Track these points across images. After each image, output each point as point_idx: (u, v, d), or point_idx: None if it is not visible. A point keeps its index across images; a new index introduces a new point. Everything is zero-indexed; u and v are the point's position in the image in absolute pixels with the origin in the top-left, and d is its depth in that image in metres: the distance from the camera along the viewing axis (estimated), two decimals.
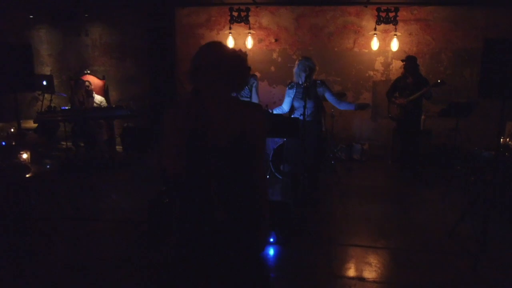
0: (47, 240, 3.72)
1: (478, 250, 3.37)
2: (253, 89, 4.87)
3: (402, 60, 5.92)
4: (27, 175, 3.71)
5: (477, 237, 3.48)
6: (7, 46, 4.29)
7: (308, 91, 4.32)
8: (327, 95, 4.67)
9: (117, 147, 7.23)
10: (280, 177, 5.80)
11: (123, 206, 4.69)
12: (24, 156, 3.80)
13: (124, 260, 3.37)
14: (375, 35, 6.93)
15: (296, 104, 4.59)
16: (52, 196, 4.79)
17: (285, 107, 4.69)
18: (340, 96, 6.69)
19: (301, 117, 4.22)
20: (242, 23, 7.24)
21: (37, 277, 3.11)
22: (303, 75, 4.42)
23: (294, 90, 4.57)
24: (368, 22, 7.08)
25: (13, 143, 5.03)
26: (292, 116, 4.63)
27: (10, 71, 4.09)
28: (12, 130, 5.57)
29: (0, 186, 3.68)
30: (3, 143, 4.93)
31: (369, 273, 3.27)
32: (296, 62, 4.57)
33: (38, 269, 3.22)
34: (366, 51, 7.18)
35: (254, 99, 4.93)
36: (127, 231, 3.94)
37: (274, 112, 4.68)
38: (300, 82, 4.47)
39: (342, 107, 4.91)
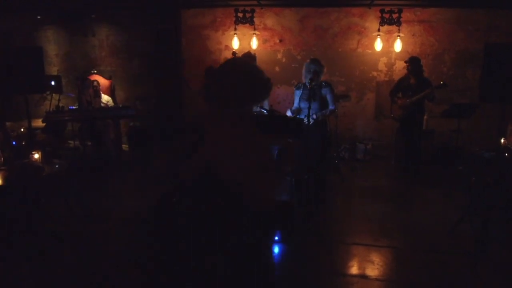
0: (57, 239, 3.82)
1: (478, 250, 3.44)
2: None
3: (405, 61, 5.96)
4: (41, 175, 3.76)
5: (477, 237, 3.55)
6: (18, 48, 4.38)
7: (313, 93, 4.39)
8: (328, 97, 4.75)
9: (123, 145, 7.33)
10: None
11: (131, 205, 4.77)
12: (36, 156, 3.85)
13: (131, 259, 3.43)
14: (378, 36, 6.98)
15: (302, 104, 4.65)
16: (61, 195, 4.88)
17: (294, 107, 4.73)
18: (343, 97, 6.77)
19: (306, 118, 4.29)
20: (247, 24, 7.30)
21: (45, 277, 3.20)
22: (308, 76, 4.50)
23: (301, 91, 4.64)
24: (372, 23, 7.14)
25: (23, 143, 5.12)
26: (298, 116, 4.70)
27: (21, 73, 4.18)
28: (22, 130, 5.66)
29: (15, 187, 3.73)
30: (14, 143, 5.01)
31: (371, 271, 3.35)
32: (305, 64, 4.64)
33: (46, 269, 3.31)
34: (370, 51, 7.24)
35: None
36: (134, 230, 4.02)
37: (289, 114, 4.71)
38: (307, 84, 4.54)
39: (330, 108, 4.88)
